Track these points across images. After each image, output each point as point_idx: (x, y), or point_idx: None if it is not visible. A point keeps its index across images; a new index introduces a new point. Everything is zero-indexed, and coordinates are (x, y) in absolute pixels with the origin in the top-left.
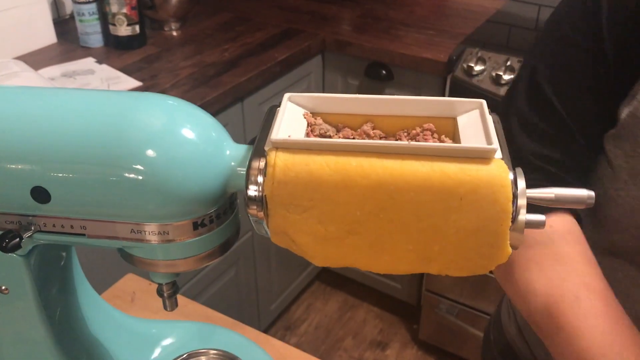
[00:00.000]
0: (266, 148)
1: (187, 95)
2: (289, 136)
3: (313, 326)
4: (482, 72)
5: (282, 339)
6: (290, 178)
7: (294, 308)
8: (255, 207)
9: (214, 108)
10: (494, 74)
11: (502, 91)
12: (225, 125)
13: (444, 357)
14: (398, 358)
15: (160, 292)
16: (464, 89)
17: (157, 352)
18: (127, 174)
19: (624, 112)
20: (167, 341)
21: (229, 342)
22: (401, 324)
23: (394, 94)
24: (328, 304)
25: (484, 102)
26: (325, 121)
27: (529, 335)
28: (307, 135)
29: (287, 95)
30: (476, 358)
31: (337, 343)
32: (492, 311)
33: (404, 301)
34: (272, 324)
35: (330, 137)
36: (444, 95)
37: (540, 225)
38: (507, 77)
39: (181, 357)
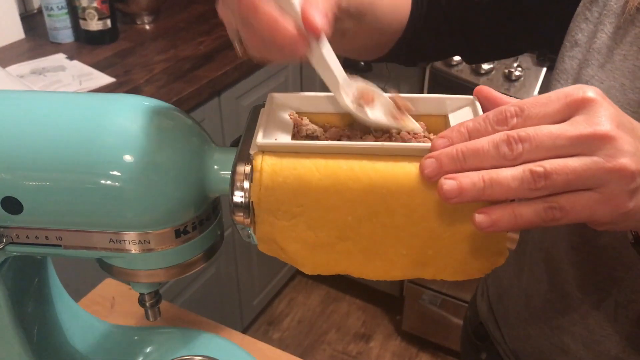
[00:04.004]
0: (251, 152)
1: (162, 90)
2: (276, 139)
3: (296, 321)
4: (461, 62)
5: (265, 334)
6: (278, 183)
7: (276, 303)
8: (241, 214)
9: (191, 103)
10: (473, 64)
11: (482, 81)
12: (202, 121)
13: (427, 347)
14: (382, 349)
15: (142, 302)
16: (444, 79)
17: None
18: (103, 181)
19: None
20: (149, 348)
21: (213, 347)
22: (384, 316)
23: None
24: (310, 298)
25: (475, 98)
26: (311, 121)
27: (497, 312)
28: (294, 136)
29: (271, 95)
30: (459, 347)
31: (321, 337)
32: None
33: (386, 292)
34: (255, 319)
35: (317, 138)
36: (423, 86)
37: None
38: (486, 66)
39: None
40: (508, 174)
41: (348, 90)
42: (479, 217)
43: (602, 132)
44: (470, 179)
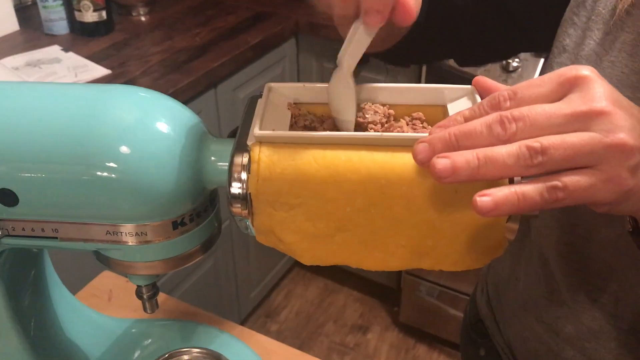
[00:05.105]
0: (249, 142)
1: (158, 82)
2: (273, 130)
3: (294, 313)
4: None
5: (262, 326)
6: (276, 174)
7: (274, 295)
8: (239, 205)
9: (187, 95)
10: (464, 67)
11: (479, 72)
12: (198, 113)
13: (424, 338)
14: (379, 341)
15: (139, 294)
16: (441, 69)
17: (137, 353)
18: (99, 173)
19: None
20: (147, 341)
21: (211, 339)
22: (382, 307)
23: (369, 77)
24: (308, 290)
25: (474, 88)
26: (309, 112)
27: (495, 308)
28: (291, 127)
29: (268, 86)
30: (457, 339)
31: (318, 329)
32: (472, 292)
33: (384, 284)
34: (253, 312)
35: (315, 128)
36: (420, 76)
37: (535, 214)
38: None
39: (162, 357)
40: (503, 150)
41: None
42: (481, 200)
43: (598, 108)
44: (464, 157)
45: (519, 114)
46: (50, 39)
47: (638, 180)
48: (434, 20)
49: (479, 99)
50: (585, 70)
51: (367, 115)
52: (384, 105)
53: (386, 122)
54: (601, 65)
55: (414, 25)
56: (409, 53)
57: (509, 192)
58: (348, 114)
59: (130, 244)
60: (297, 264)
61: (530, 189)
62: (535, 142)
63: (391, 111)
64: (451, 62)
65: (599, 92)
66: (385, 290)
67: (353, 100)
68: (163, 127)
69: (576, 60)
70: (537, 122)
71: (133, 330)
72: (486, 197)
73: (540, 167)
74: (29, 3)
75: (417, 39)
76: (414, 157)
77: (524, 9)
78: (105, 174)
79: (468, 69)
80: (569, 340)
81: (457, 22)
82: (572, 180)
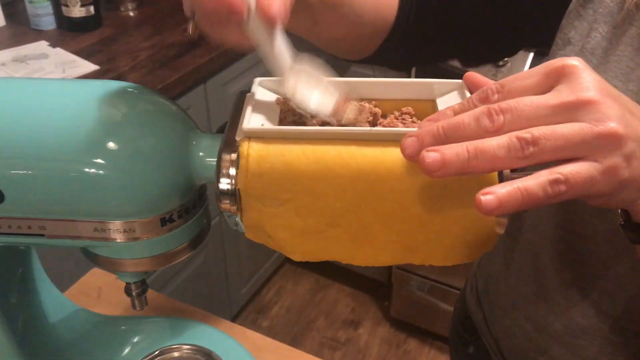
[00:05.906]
0: (237, 138)
1: (147, 78)
2: (262, 125)
3: (285, 308)
4: None
5: (254, 322)
6: (265, 170)
7: (264, 291)
8: (227, 201)
9: (176, 91)
10: (469, 67)
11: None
12: (187, 109)
13: (415, 333)
14: (370, 336)
15: (128, 292)
16: (431, 65)
17: (127, 350)
18: (87, 169)
19: None
20: (137, 338)
21: (201, 336)
22: (372, 302)
23: (360, 71)
24: (299, 286)
25: (463, 83)
26: None
27: (484, 304)
28: (281, 122)
29: (257, 80)
30: (448, 333)
31: (310, 324)
32: (462, 286)
33: (374, 279)
34: (244, 308)
35: (304, 123)
36: (410, 71)
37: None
38: None
39: (153, 354)
40: (494, 142)
41: (293, 75)
42: (486, 199)
43: (585, 97)
44: (454, 150)
45: (506, 106)
46: (37, 34)
47: (632, 170)
48: (438, 20)
49: (468, 94)
50: (573, 61)
51: (350, 115)
52: (370, 102)
53: (372, 119)
54: (607, 59)
55: (396, 27)
56: (406, 55)
57: (512, 189)
58: (322, 111)
59: (118, 240)
60: (287, 259)
61: (532, 185)
62: (526, 133)
63: (377, 110)
64: None
65: (586, 82)
66: (376, 285)
67: (316, 97)
68: (150, 123)
69: (581, 53)
70: (525, 113)
71: (123, 327)
72: (490, 196)
73: (531, 158)
74: None
75: (414, 39)
76: (402, 152)
77: (529, 2)
78: (92, 170)
79: (458, 64)
80: (557, 338)
81: (461, 17)
82: (572, 172)
